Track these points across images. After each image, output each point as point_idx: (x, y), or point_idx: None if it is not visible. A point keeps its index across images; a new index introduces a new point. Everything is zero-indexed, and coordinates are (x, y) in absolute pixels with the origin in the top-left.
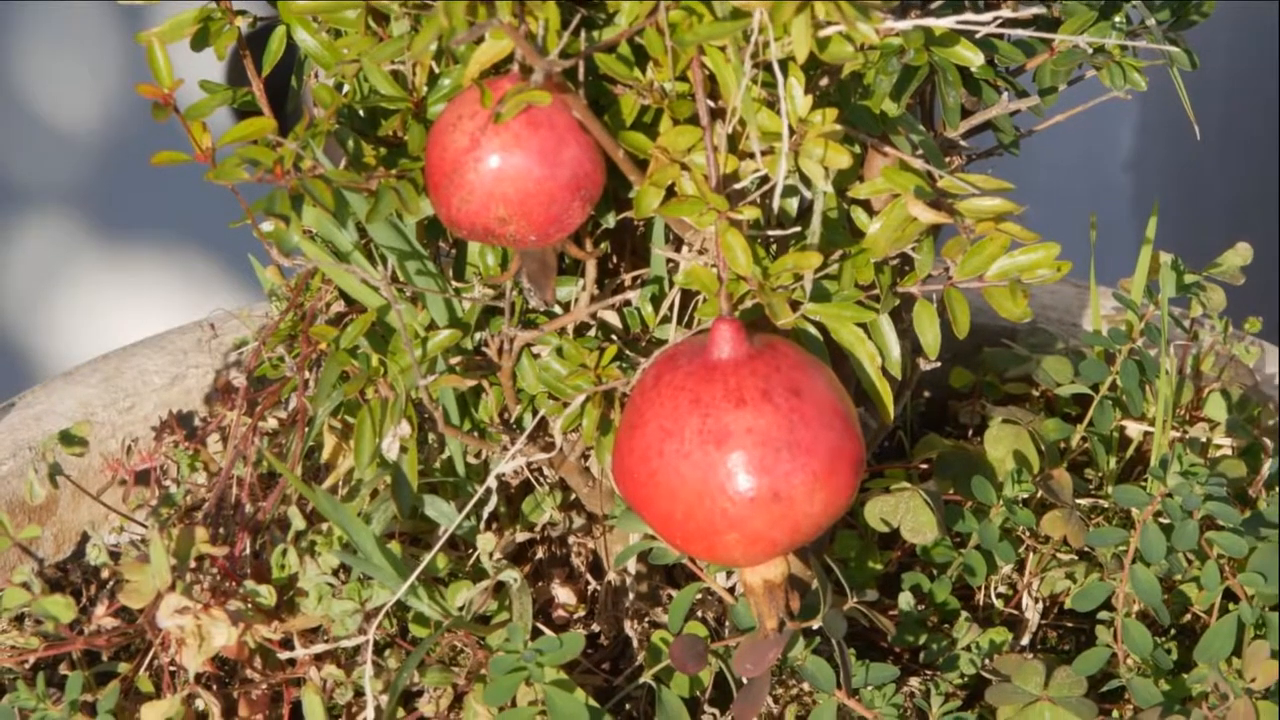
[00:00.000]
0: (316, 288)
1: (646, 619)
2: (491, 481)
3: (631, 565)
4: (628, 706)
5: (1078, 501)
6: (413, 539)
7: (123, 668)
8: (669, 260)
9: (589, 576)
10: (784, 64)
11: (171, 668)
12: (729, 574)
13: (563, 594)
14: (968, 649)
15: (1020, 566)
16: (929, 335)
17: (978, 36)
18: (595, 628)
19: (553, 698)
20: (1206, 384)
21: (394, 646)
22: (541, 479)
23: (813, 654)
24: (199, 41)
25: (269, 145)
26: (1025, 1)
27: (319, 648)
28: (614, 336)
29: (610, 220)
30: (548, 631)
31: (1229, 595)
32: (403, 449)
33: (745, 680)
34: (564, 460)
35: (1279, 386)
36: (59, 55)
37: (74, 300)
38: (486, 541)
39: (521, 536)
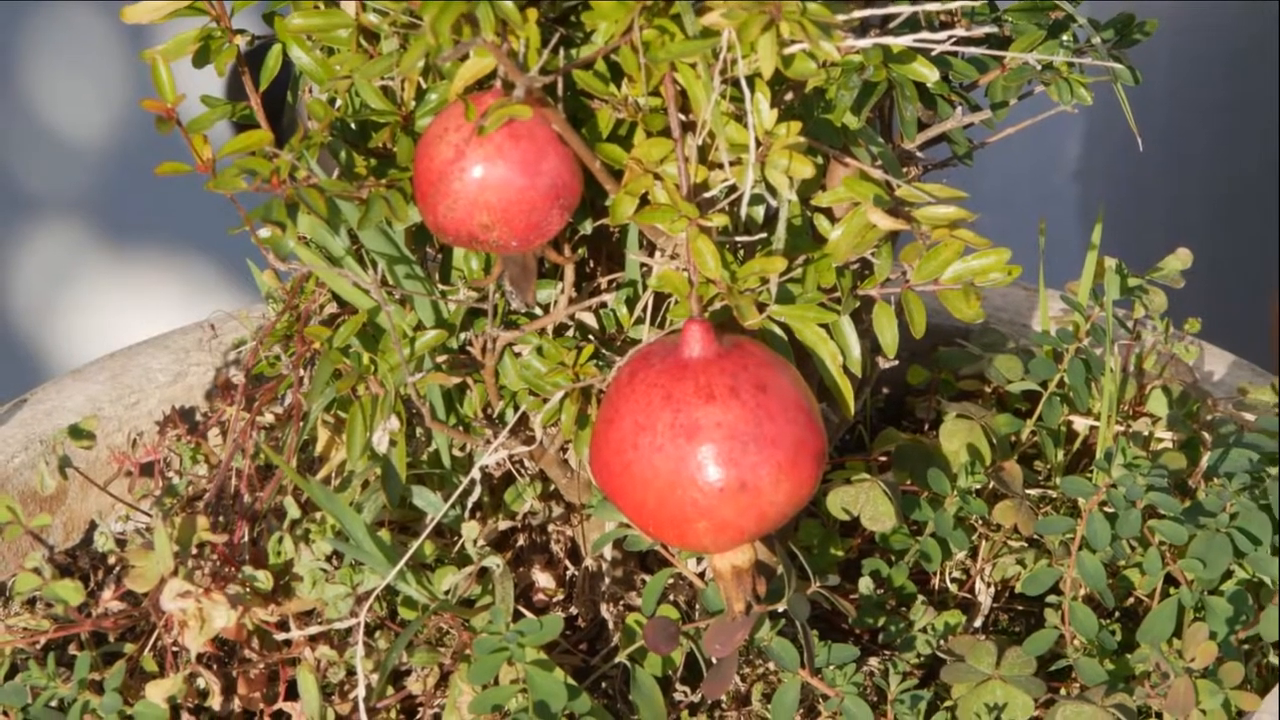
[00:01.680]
0: (311, 290)
1: (621, 602)
2: (476, 473)
3: (607, 552)
4: (604, 685)
5: (1027, 492)
6: (401, 527)
7: (129, 648)
8: (643, 265)
9: (567, 562)
10: (751, 80)
11: (174, 648)
12: (699, 560)
13: (542, 579)
14: (924, 630)
15: (973, 553)
16: (887, 335)
17: (933, 54)
18: (573, 611)
19: (533, 676)
20: (1148, 381)
21: (384, 628)
22: (522, 470)
23: (778, 635)
24: (200, 59)
25: (266, 156)
26: (978, 21)
27: (313, 629)
28: (591, 336)
29: (588, 227)
30: (528, 614)
31: (1170, 580)
32: (392, 442)
33: (714, 660)
34: (544, 453)
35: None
36: (68, 72)
37: (82, 302)
38: (471, 529)
39: (504, 525)
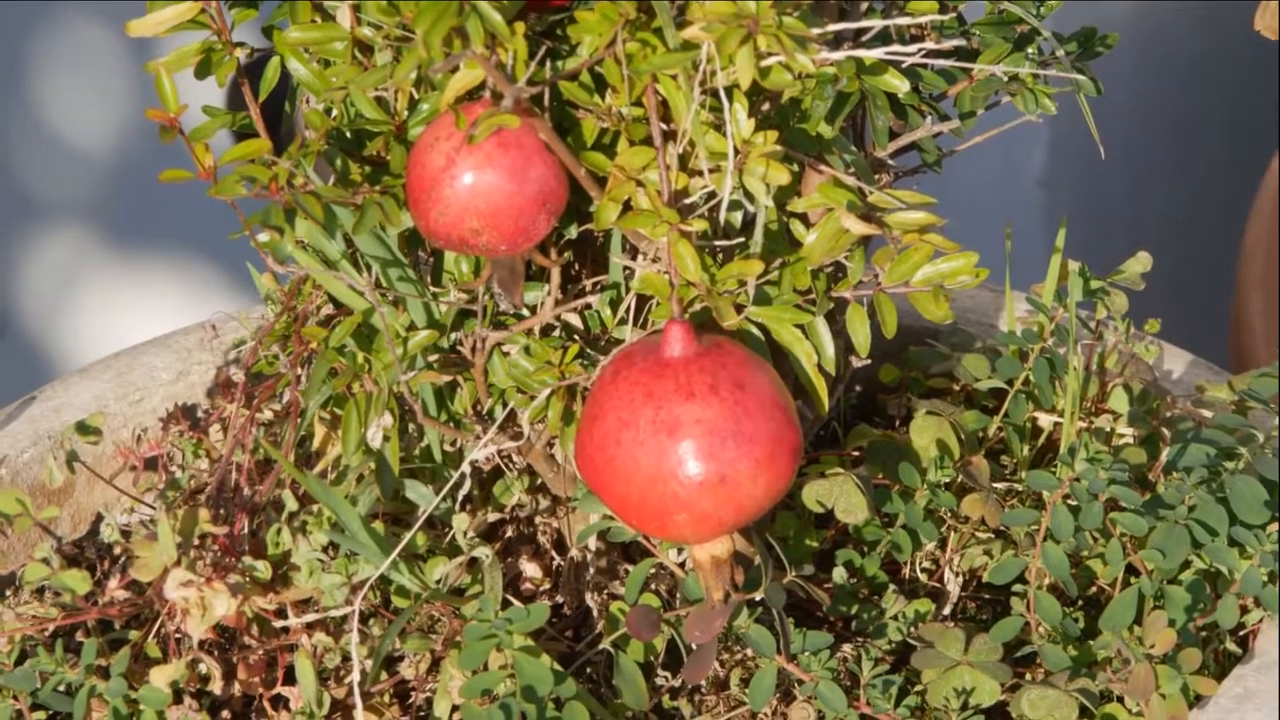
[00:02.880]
0: (308, 293)
1: (605, 591)
2: (466, 467)
3: (592, 543)
4: (589, 670)
5: (994, 485)
6: (394, 519)
7: (133, 635)
8: (626, 268)
9: (554, 553)
10: (729, 90)
11: (177, 635)
12: (680, 551)
13: (530, 569)
14: (895, 618)
15: (943, 544)
16: (860, 335)
17: (904, 66)
18: (559, 599)
19: (520, 662)
20: (1110, 379)
21: (378, 616)
22: (511, 465)
23: (755, 623)
24: (202, 70)
25: (265, 164)
26: (947, 35)
27: (310, 617)
28: (576, 336)
29: (573, 231)
30: (516, 603)
31: (1130, 570)
32: (386, 438)
33: (694, 646)
34: (531, 448)
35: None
36: (75, 82)
37: (88, 304)
38: (461, 521)
39: (493, 517)
